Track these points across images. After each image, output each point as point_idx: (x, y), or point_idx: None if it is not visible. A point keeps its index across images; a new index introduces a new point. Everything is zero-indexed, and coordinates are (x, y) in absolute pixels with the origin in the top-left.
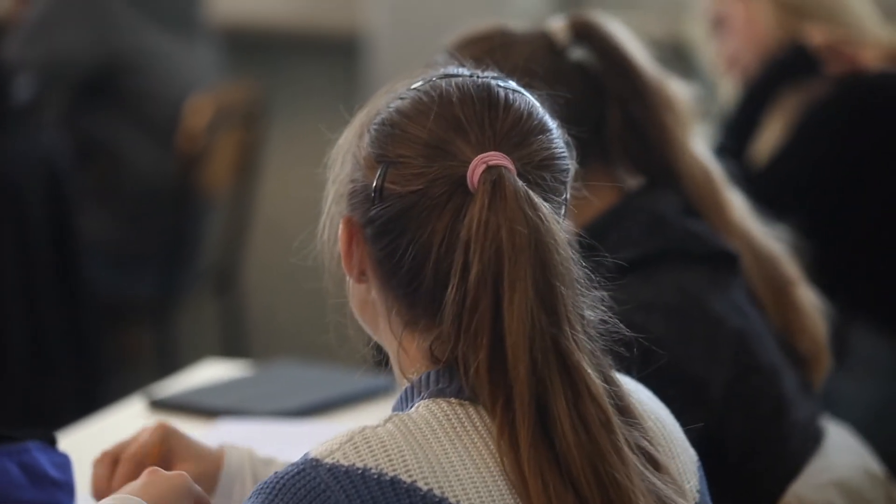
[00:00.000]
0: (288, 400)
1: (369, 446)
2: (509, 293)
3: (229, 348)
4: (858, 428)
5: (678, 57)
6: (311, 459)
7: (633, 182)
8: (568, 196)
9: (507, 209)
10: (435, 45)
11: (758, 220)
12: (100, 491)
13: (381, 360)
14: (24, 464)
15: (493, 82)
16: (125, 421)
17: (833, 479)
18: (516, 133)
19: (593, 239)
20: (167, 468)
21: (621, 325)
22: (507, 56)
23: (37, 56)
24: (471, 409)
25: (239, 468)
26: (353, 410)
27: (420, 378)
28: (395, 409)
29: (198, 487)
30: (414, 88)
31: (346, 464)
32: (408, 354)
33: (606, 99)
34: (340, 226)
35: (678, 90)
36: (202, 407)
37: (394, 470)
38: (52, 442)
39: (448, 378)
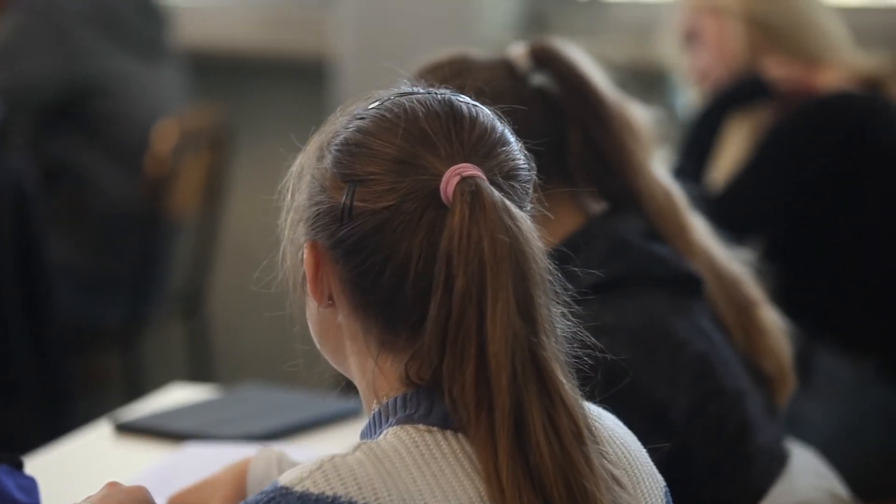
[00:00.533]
0: (255, 423)
1: (339, 474)
2: (492, 303)
3: (196, 372)
4: (823, 450)
5: (639, 81)
6: (281, 487)
7: (595, 206)
8: (530, 208)
9: (488, 219)
10: (400, 71)
11: (719, 242)
12: None
13: (347, 384)
14: None
15: (453, 97)
16: (92, 445)
17: (798, 502)
18: (483, 145)
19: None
20: None
21: (587, 345)
22: (469, 82)
23: (2, 81)
24: (439, 436)
25: (265, 471)
26: (319, 434)
27: (387, 404)
28: (363, 436)
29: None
30: (373, 108)
31: (315, 492)
32: (380, 377)
33: (567, 123)
34: (305, 251)
35: (639, 114)
36: (168, 430)
37: (363, 498)
38: (18, 465)
39: (416, 403)
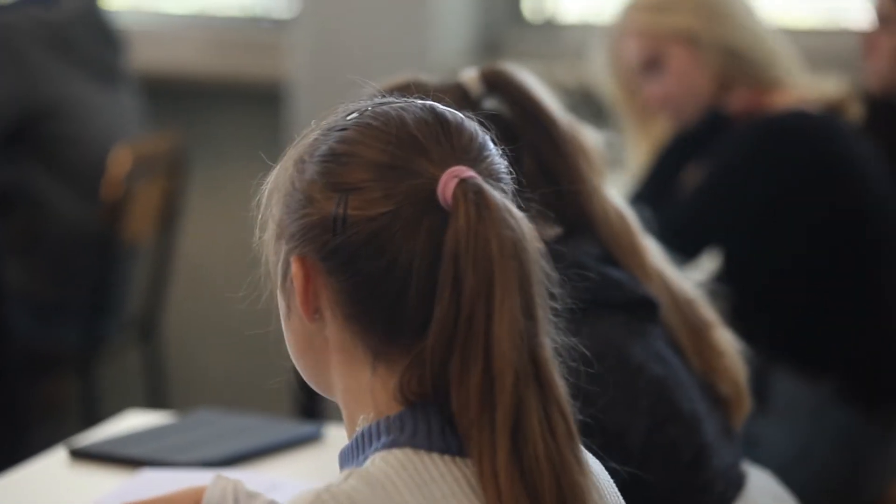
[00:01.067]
0: (211, 449)
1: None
2: (500, 302)
3: (152, 398)
4: (780, 471)
5: (591, 104)
6: None
7: (550, 230)
8: None
9: (494, 218)
10: (354, 95)
11: (672, 264)
12: None
13: (304, 410)
14: None
15: (434, 104)
16: (47, 471)
17: None
18: (473, 148)
19: None
20: None
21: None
22: None
23: None
24: (426, 458)
25: (220, 501)
26: (276, 459)
27: (370, 427)
28: (343, 456)
29: None
30: (354, 118)
31: None
32: (370, 393)
33: (520, 147)
34: (293, 266)
35: (591, 137)
36: (124, 456)
37: None
38: None
39: (399, 426)
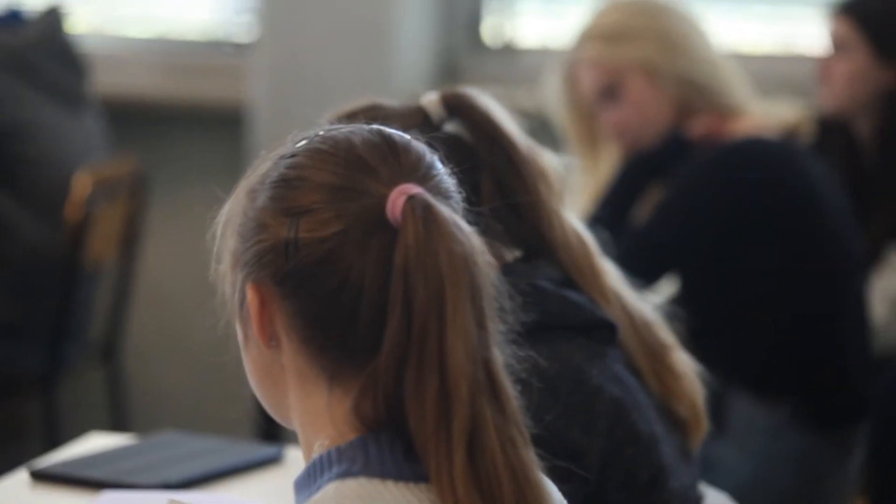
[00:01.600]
0: (173, 471)
1: None
2: (452, 315)
3: (114, 420)
4: (737, 494)
5: (549, 129)
6: None
7: (509, 253)
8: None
9: (442, 233)
10: (316, 118)
11: (630, 287)
12: None
13: (264, 434)
14: None
15: (381, 127)
16: (9, 493)
17: None
18: (421, 166)
19: None
20: None
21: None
22: None
23: None
24: (381, 486)
25: None
26: (238, 481)
27: (324, 456)
28: (298, 485)
29: None
30: (303, 144)
31: None
32: (325, 417)
33: (480, 171)
34: (249, 293)
35: (551, 161)
36: (85, 478)
37: None
38: None
39: (352, 456)
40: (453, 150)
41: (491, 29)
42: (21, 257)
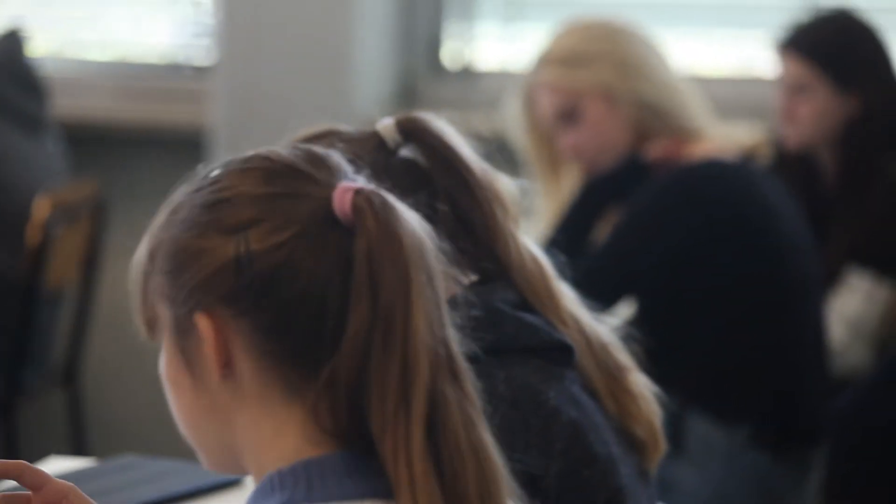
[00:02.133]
0: (133, 494)
1: None
2: (417, 296)
3: (75, 443)
4: None
5: (508, 151)
6: None
7: (467, 277)
8: None
9: (399, 217)
10: (275, 142)
11: (587, 309)
12: None
13: None
14: None
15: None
16: None
17: None
18: (347, 170)
19: None
20: None
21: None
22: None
23: None
24: None
25: None
26: None
27: (265, 483)
28: None
29: None
30: (221, 171)
31: None
32: (280, 436)
33: (436, 195)
34: (200, 323)
35: (506, 185)
36: None
37: None
38: None
39: (293, 483)
40: (409, 175)
41: (450, 53)
42: None
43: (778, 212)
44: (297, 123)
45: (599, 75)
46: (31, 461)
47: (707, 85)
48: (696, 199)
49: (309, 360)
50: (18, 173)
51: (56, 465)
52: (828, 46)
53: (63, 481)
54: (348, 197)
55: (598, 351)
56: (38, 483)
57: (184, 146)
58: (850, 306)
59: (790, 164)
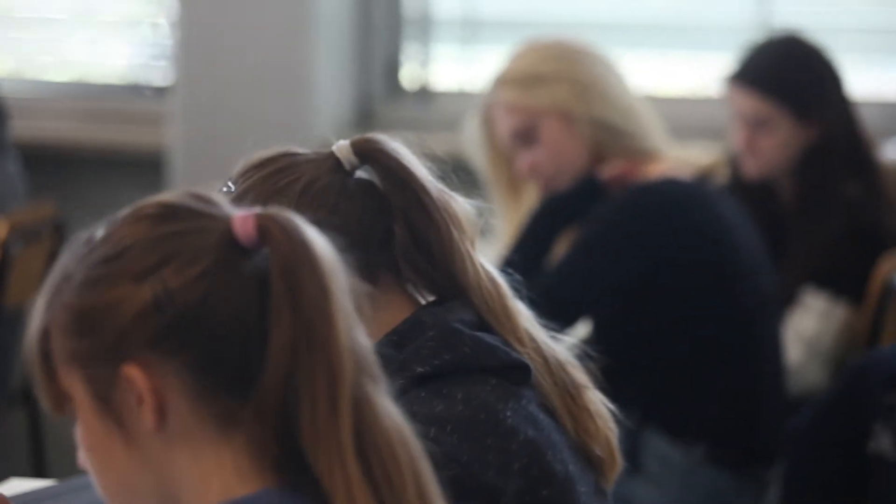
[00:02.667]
0: None
1: None
2: (335, 306)
3: (35, 465)
4: None
5: (465, 171)
6: None
7: (424, 297)
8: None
9: (307, 232)
10: (233, 163)
11: (543, 328)
12: None
13: None
14: None
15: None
16: None
17: None
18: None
19: (387, 355)
20: None
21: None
22: (295, 177)
23: None
24: None
25: None
26: None
27: None
28: None
29: None
30: (106, 230)
31: None
32: (218, 472)
33: (393, 216)
34: (131, 373)
35: (462, 205)
36: None
37: None
38: None
39: None
40: (366, 196)
41: (408, 74)
42: None
43: (735, 232)
44: (255, 145)
45: (556, 95)
46: None
47: (662, 105)
48: (653, 219)
49: (241, 386)
50: None
51: (15, 487)
52: (786, 79)
53: None
54: (250, 221)
55: (555, 369)
56: None
57: (144, 167)
58: (806, 326)
59: (746, 184)
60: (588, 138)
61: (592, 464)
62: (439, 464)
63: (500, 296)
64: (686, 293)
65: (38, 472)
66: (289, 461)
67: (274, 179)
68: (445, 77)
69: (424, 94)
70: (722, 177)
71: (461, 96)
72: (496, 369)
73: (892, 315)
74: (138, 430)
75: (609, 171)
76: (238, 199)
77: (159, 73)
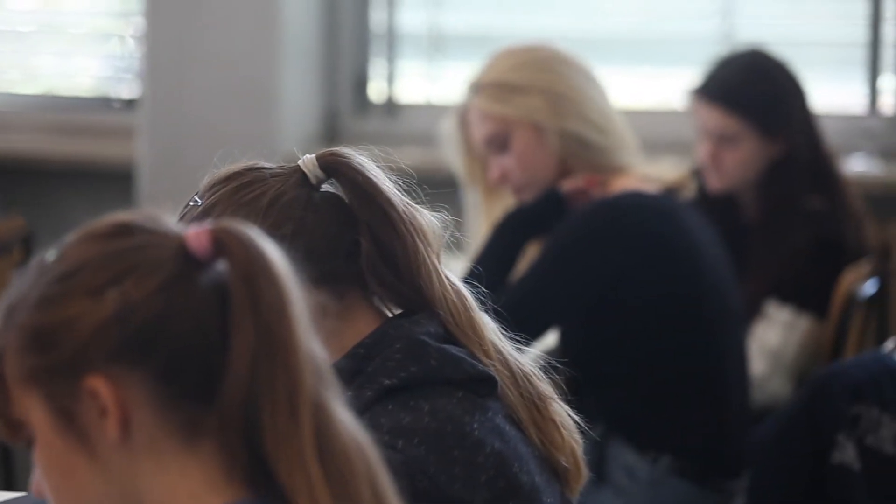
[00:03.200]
0: None
1: None
2: (294, 312)
3: (5, 478)
4: None
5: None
6: None
7: (391, 311)
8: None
9: (264, 247)
10: (202, 176)
11: (509, 340)
12: None
13: None
14: None
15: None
16: None
17: None
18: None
19: (354, 367)
20: None
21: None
22: (261, 191)
23: None
24: None
25: None
26: None
27: None
28: None
29: None
30: (57, 252)
31: None
32: (184, 483)
33: (359, 229)
34: (97, 387)
35: (428, 218)
36: None
37: None
38: None
39: None
40: (332, 210)
41: (376, 88)
42: None
43: (700, 244)
44: (222, 159)
45: (530, 107)
46: None
47: (629, 119)
48: (619, 232)
49: (204, 394)
50: None
51: None
52: (750, 95)
53: None
54: (204, 235)
55: (521, 381)
56: None
57: (113, 180)
58: (770, 338)
59: (710, 197)
60: (558, 151)
61: (558, 475)
62: (406, 475)
63: (466, 308)
64: (650, 305)
65: (7, 485)
66: (258, 470)
67: (240, 194)
68: (412, 91)
69: (391, 109)
70: (689, 191)
71: (427, 110)
72: (462, 382)
73: (855, 327)
74: (102, 444)
75: (571, 184)
76: (205, 212)
77: (128, 87)
